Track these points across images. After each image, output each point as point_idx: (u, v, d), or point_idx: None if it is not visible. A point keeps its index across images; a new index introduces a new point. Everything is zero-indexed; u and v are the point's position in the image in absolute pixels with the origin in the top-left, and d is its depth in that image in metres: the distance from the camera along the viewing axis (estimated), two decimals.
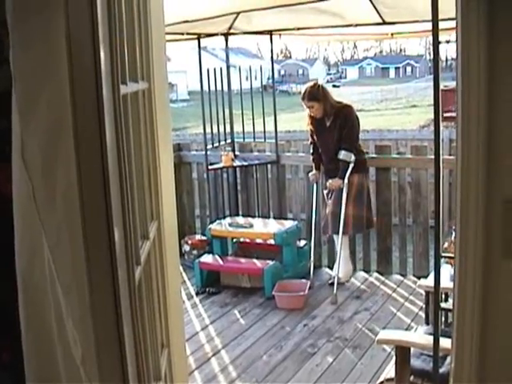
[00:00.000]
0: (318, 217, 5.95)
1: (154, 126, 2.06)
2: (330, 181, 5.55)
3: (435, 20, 1.81)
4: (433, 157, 1.93)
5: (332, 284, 5.61)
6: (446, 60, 55.15)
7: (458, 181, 1.75)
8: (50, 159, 1.30)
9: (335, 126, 5.52)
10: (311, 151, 5.88)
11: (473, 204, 1.71)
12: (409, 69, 75.60)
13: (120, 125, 1.45)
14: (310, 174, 5.89)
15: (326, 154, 5.68)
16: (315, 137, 5.73)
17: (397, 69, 76.28)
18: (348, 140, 5.49)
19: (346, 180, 5.48)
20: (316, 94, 5.50)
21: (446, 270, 3.70)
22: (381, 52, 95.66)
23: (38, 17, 1.29)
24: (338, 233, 5.56)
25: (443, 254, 2.82)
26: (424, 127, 18.44)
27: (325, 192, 5.78)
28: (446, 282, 3.40)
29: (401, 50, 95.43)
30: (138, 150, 1.89)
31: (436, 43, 1.90)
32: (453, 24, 1.63)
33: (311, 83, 5.68)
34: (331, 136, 5.54)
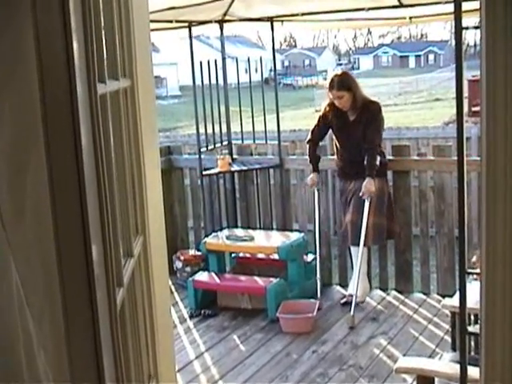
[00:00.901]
0: (324, 227, 5.98)
1: (137, 128, 2.07)
2: (366, 183, 5.45)
3: (458, 0, 1.81)
4: None
5: (345, 304, 5.61)
6: (475, 45, 55.02)
7: (483, 184, 1.75)
8: (18, 169, 1.30)
9: (360, 121, 5.53)
10: (308, 149, 5.88)
11: (500, 211, 1.70)
12: (431, 57, 75.70)
13: (98, 129, 1.46)
14: (308, 179, 5.91)
15: (346, 153, 5.66)
16: (336, 133, 5.72)
17: (417, 57, 76.38)
18: (372, 140, 5.50)
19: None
20: (347, 82, 5.54)
21: (475, 288, 3.69)
22: (399, 38, 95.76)
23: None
24: (358, 244, 5.57)
25: (470, 270, 2.81)
26: (449, 124, 18.43)
27: (337, 197, 5.81)
28: (474, 302, 3.39)
29: (422, 36, 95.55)
30: (120, 157, 1.89)
31: (459, 26, 1.89)
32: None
33: (338, 71, 5.76)
34: (355, 132, 5.54)
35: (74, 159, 1.35)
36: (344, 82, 5.52)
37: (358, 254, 5.57)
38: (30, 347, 1.28)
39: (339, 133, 5.70)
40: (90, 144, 1.42)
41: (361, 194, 5.50)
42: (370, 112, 5.55)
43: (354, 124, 5.59)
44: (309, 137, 5.87)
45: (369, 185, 5.46)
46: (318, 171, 5.87)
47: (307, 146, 5.89)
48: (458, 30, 1.88)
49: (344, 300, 5.70)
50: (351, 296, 5.56)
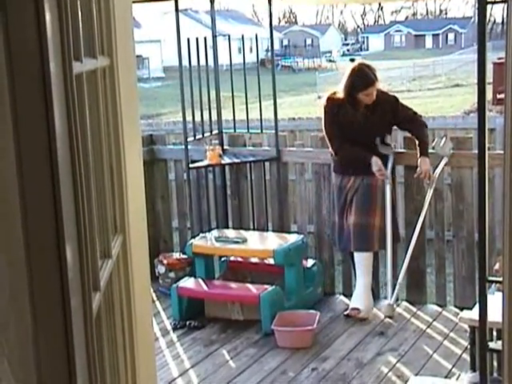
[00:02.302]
0: (327, 228, 6.03)
1: (117, 113, 2.08)
2: (420, 162, 5.53)
3: None
4: None
5: (348, 316, 5.64)
6: (503, 23, 54.94)
7: (507, 181, 1.76)
8: None
9: (375, 113, 5.61)
10: (347, 152, 5.76)
11: None
12: (451, 36, 75.85)
13: (73, 113, 1.47)
14: (373, 162, 5.63)
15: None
16: (346, 129, 5.71)
17: (435, 36, 76.55)
18: (411, 116, 5.72)
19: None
20: (376, 75, 5.58)
21: (497, 300, 3.71)
22: (414, 15, 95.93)
23: None
24: (364, 250, 5.60)
25: (491, 278, 2.82)
26: (470, 113, 18.47)
27: (334, 196, 5.82)
28: (497, 315, 3.41)
29: (441, 12, 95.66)
30: (97, 145, 1.90)
31: (483, 0, 1.90)
32: None
33: (362, 61, 5.79)
34: (369, 126, 5.61)
35: (47, 147, 1.35)
36: (375, 76, 5.57)
37: (364, 260, 5.60)
38: None
39: (350, 129, 5.69)
40: (65, 130, 1.43)
41: (419, 175, 5.58)
42: (385, 101, 5.66)
43: (368, 118, 5.62)
44: (336, 145, 5.74)
45: (425, 165, 5.56)
46: (379, 155, 5.69)
47: (342, 150, 5.74)
48: (483, 4, 1.88)
49: (347, 312, 5.73)
50: (356, 310, 5.59)
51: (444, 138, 5.81)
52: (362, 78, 5.52)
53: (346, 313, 5.75)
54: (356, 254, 5.74)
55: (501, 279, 2.12)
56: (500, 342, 3.79)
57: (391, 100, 5.72)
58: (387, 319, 5.73)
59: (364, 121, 5.61)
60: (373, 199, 5.60)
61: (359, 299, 5.68)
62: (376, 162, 5.58)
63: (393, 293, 5.73)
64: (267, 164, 6.66)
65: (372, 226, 5.59)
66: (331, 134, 5.74)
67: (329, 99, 5.70)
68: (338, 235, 5.82)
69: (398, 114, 5.67)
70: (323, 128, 5.80)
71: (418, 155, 5.58)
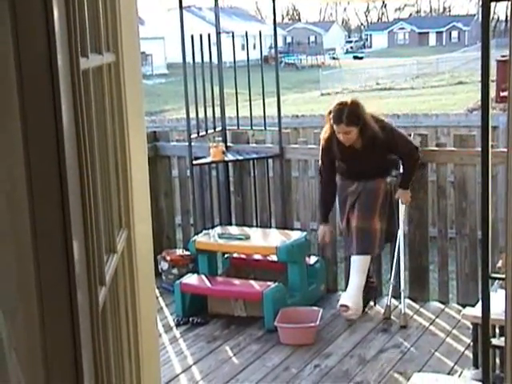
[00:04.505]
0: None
1: (122, 109, 2.09)
2: (400, 194, 5.61)
3: None
4: None
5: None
6: (506, 21, 54.78)
7: (510, 179, 1.77)
8: None
9: (372, 148, 5.49)
10: (320, 192, 5.84)
11: None
12: (455, 34, 75.72)
13: (80, 109, 1.48)
14: (320, 231, 5.81)
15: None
16: (341, 164, 5.67)
17: (439, 34, 76.43)
18: (407, 150, 5.57)
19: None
20: (358, 116, 5.34)
21: (501, 297, 3.71)
22: (418, 12, 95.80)
23: None
24: (365, 253, 5.61)
25: (494, 275, 2.83)
26: (473, 111, 18.44)
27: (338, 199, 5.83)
28: (500, 312, 3.41)
29: (445, 9, 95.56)
30: (103, 140, 1.92)
31: None
32: None
33: (346, 99, 5.48)
34: (366, 161, 5.55)
35: (54, 142, 1.37)
36: (355, 116, 5.32)
37: (361, 262, 5.60)
38: (1, 349, 1.30)
39: (346, 164, 5.65)
40: (72, 125, 1.44)
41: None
42: (383, 137, 5.45)
43: (363, 153, 5.51)
44: (319, 178, 5.83)
45: (405, 197, 5.64)
46: (327, 221, 5.77)
47: (319, 186, 5.85)
48: (486, 1, 1.88)
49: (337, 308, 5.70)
50: (345, 307, 5.57)
51: (412, 134, 5.89)
52: (334, 113, 5.38)
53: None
54: (357, 257, 5.71)
55: (503, 276, 2.13)
56: (503, 339, 3.80)
57: (388, 139, 5.47)
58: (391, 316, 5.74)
59: (360, 157, 5.53)
60: (375, 203, 5.59)
61: (350, 297, 5.64)
62: (321, 232, 5.71)
63: (388, 294, 5.74)
64: (270, 161, 6.67)
65: (374, 230, 5.58)
66: (321, 166, 5.76)
67: (325, 132, 5.64)
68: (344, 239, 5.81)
69: (398, 150, 5.56)
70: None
71: (399, 185, 5.61)
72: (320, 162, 5.77)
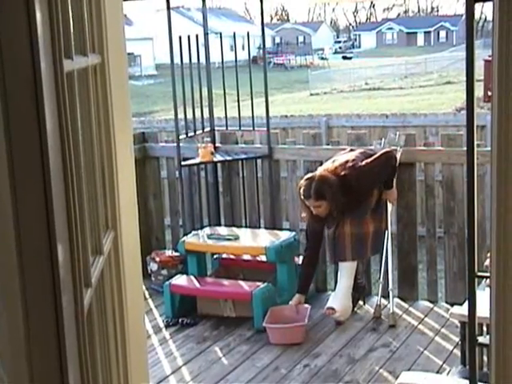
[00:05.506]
0: None
1: (108, 110, 2.09)
2: (388, 194, 5.66)
3: None
4: None
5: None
6: (493, 21, 55.30)
7: (493, 178, 1.76)
8: None
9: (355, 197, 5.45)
10: (302, 269, 5.74)
11: None
12: (443, 34, 75.89)
13: (64, 111, 1.48)
14: (295, 298, 5.57)
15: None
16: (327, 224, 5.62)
17: (427, 34, 76.60)
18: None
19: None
20: (325, 190, 5.28)
21: (488, 295, 3.72)
22: (406, 12, 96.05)
23: None
24: (357, 258, 5.61)
25: (480, 274, 2.84)
26: (461, 110, 18.49)
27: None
28: (487, 311, 3.42)
29: (432, 9, 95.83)
30: (89, 142, 1.91)
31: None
32: None
33: (314, 174, 5.43)
34: (354, 207, 5.52)
35: (38, 145, 1.36)
36: (321, 191, 5.27)
37: (349, 264, 5.59)
38: None
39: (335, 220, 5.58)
40: (56, 128, 1.44)
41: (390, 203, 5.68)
42: (360, 181, 5.39)
43: (348, 206, 5.45)
44: (304, 250, 5.75)
45: (392, 196, 5.69)
46: (305, 292, 5.64)
47: (303, 259, 5.74)
48: (470, 2, 1.88)
49: (324, 311, 5.68)
50: (331, 309, 5.56)
51: (398, 133, 5.97)
52: (303, 188, 5.36)
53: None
54: (348, 263, 5.69)
55: (489, 274, 2.13)
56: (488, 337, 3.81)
57: (366, 175, 5.41)
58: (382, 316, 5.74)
59: (344, 209, 5.46)
60: (368, 206, 5.58)
61: (337, 300, 5.62)
62: (295, 300, 5.56)
63: (378, 293, 5.76)
64: (259, 161, 6.66)
65: (367, 234, 5.57)
66: (308, 243, 5.69)
67: (304, 211, 5.60)
68: (331, 247, 5.67)
69: (379, 173, 5.51)
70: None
71: (383, 187, 5.63)
72: (307, 243, 5.70)
